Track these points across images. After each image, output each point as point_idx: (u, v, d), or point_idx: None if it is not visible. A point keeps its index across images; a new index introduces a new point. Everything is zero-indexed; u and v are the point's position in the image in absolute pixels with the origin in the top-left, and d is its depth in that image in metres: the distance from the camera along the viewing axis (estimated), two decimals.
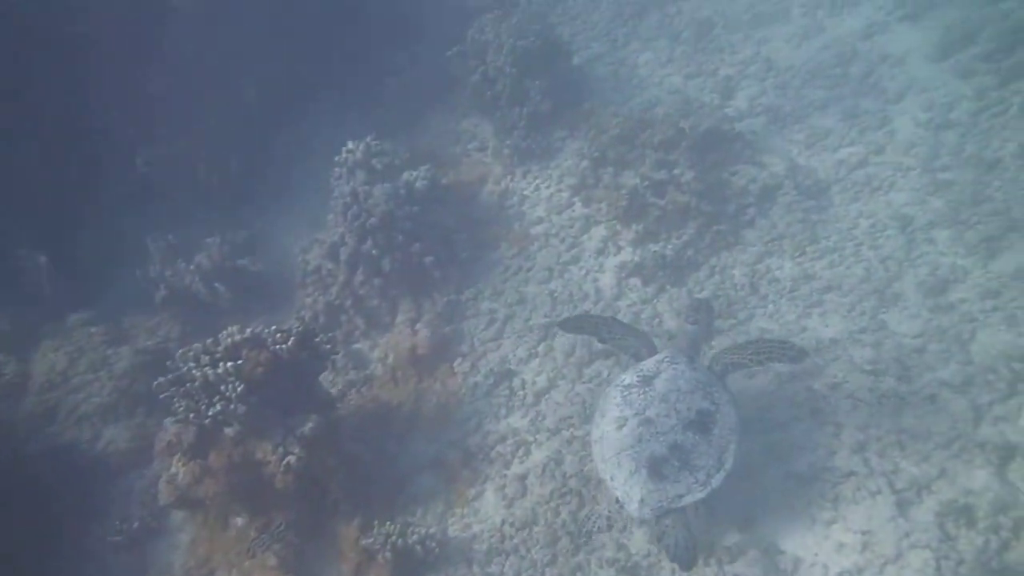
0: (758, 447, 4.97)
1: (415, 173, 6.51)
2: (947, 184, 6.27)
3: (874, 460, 4.69)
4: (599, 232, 6.95)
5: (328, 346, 5.08)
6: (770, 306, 5.97)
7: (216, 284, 6.62)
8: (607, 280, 6.62)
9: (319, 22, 8.07)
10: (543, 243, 7.08)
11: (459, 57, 7.68)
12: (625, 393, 4.69)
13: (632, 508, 4.33)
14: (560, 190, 7.38)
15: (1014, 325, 5.17)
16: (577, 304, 6.49)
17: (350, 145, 6.67)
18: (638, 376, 4.76)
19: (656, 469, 4.32)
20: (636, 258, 6.56)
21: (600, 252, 6.82)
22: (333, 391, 5.98)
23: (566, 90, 7.93)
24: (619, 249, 6.77)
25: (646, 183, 6.68)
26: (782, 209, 6.52)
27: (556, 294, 6.61)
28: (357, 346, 6.68)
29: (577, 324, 5.35)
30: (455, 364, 6.26)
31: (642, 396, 4.61)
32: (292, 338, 4.72)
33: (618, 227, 6.84)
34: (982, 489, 4.35)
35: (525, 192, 7.52)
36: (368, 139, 6.75)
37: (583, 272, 6.74)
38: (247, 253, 7.15)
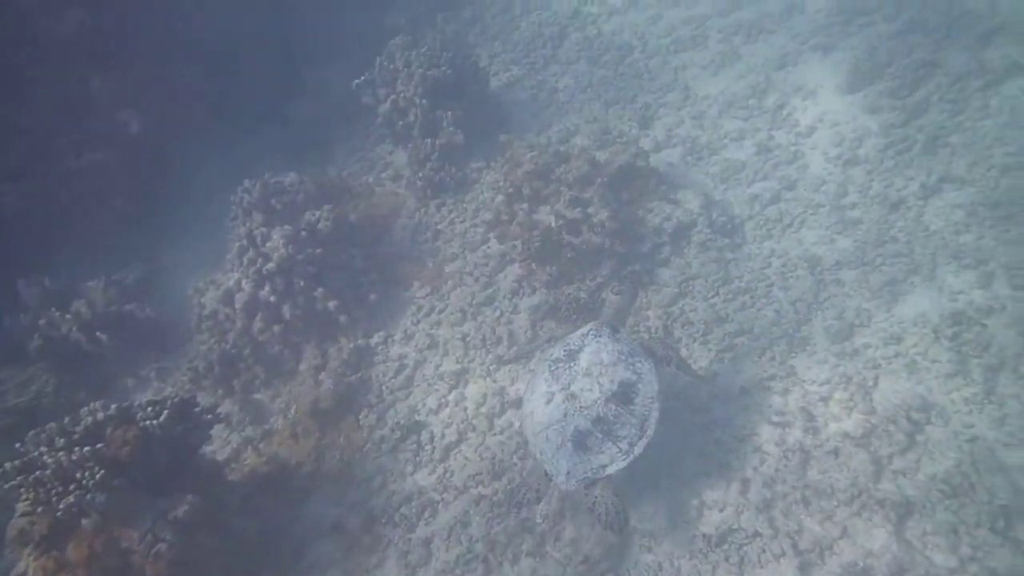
0: (664, 508, 4.89)
1: (318, 213, 6.19)
2: (854, 223, 6.34)
3: (779, 519, 4.67)
4: (514, 271, 6.77)
5: (210, 416, 4.74)
6: (683, 350, 5.90)
7: (98, 333, 6.15)
8: (521, 322, 6.45)
9: (221, 44, 7.62)
10: (457, 281, 6.86)
11: (368, 86, 7.35)
12: (552, 368, 4.89)
13: (560, 480, 4.59)
14: (475, 225, 7.17)
15: (914, 372, 5.24)
16: (490, 349, 6.30)
17: (247, 184, 6.29)
18: (564, 350, 4.96)
19: (580, 442, 4.57)
20: (551, 300, 6.41)
21: (515, 293, 6.64)
22: (226, 451, 5.63)
23: (482, 118, 7.71)
24: (533, 290, 6.60)
25: (560, 222, 6.53)
26: (696, 248, 6.47)
27: (469, 338, 6.40)
28: (257, 396, 6.33)
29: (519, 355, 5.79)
30: (361, 416, 5.99)
31: (567, 371, 4.81)
32: (166, 411, 4.36)
33: (533, 266, 6.67)
34: (881, 550, 4.36)
35: (440, 226, 7.28)
36: (266, 176, 6.38)
37: (497, 314, 6.55)
38: (138, 296, 6.69)
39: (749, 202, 6.84)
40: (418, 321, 6.64)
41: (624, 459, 4.54)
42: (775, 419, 5.18)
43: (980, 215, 5.85)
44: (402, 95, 7.08)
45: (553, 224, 6.73)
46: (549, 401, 4.75)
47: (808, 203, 6.64)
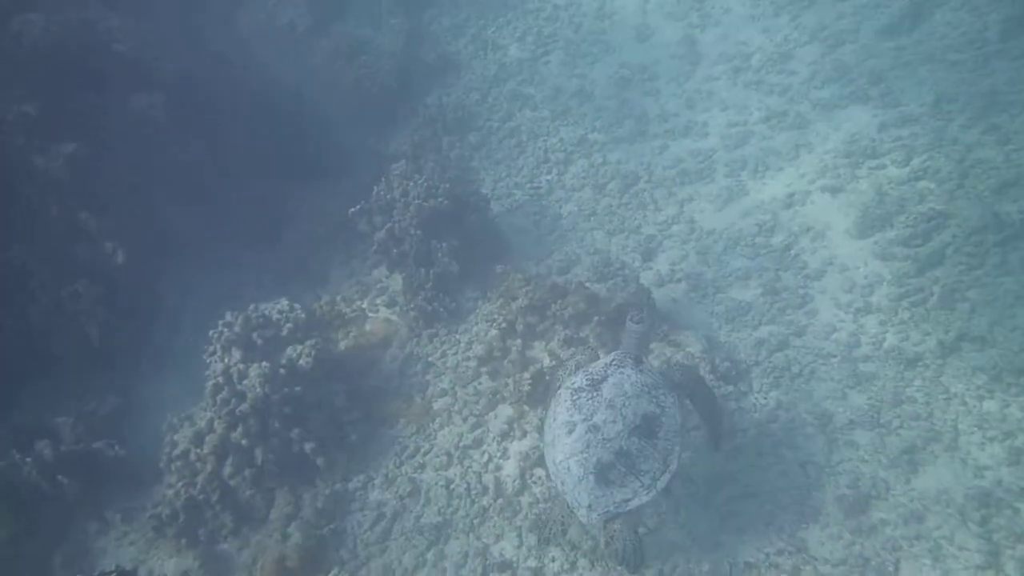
0: None
1: (300, 349, 5.95)
2: (869, 378, 6.00)
3: None
4: (505, 411, 6.43)
5: None
6: (682, 513, 5.45)
7: (60, 477, 5.80)
8: (510, 469, 6.05)
9: (212, 174, 7.67)
10: (445, 420, 6.52)
11: (364, 214, 7.30)
12: (575, 397, 4.84)
13: (581, 514, 4.53)
14: (468, 358, 6.89)
15: (939, 559, 4.75)
16: (475, 499, 5.87)
17: (228, 317, 6.10)
18: (587, 379, 4.91)
19: (603, 475, 4.51)
20: (541, 447, 6.02)
21: (505, 435, 6.28)
22: None
23: (480, 246, 7.60)
24: (524, 433, 6.23)
25: (554, 362, 6.24)
26: None
27: (453, 485, 5.99)
28: (223, 547, 5.89)
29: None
30: None
31: (590, 401, 4.76)
32: None
33: (525, 407, 6.33)
34: None
35: (431, 358, 7.01)
36: (250, 309, 6.20)
37: (485, 458, 6.16)
38: (110, 431, 6.38)
39: (755, 347, 6.54)
40: (401, 463, 6.26)
41: (647, 494, 4.50)
42: None
43: (1005, 381, 5.50)
44: (398, 224, 6.99)
45: (547, 364, 6.45)
46: (571, 431, 4.69)
47: (818, 352, 6.33)
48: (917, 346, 6.05)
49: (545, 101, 10.03)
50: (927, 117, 7.77)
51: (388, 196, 7.16)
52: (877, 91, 8.26)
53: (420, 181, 7.09)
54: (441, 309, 7.02)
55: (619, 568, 4.47)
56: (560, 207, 8.74)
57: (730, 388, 6.25)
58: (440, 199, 7.07)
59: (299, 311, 6.67)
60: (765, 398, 6.13)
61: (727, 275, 7.30)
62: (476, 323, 7.20)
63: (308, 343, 6.02)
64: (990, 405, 5.43)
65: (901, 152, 7.55)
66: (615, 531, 4.48)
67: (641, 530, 5.00)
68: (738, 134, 8.67)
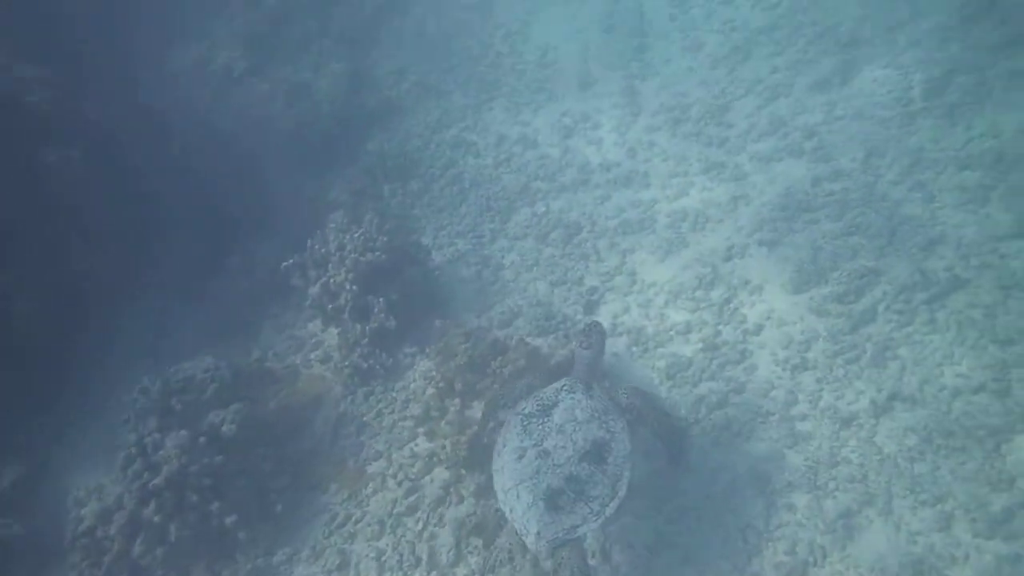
0: None
1: (223, 415, 5.68)
2: (805, 437, 6.02)
3: None
4: (441, 475, 6.24)
5: None
6: None
7: None
8: (445, 538, 5.84)
9: (131, 223, 7.37)
10: (379, 485, 6.29)
11: (297, 268, 7.09)
12: (525, 423, 4.90)
13: (529, 541, 4.51)
14: (404, 418, 6.69)
15: None
16: (407, 571, 5.63)
17: (145, 382, 5.79)
18: (537, 405, 4.99)
19: (552, 501, 4.54)
20: (478, 513, 5.84)
21: (440, 501, 6.08)
22: None
23: (420, 299, 7.47)
24: (461, 499, 6.04)
25: (491, 425, 6.08)
26: (640, 457, 6.02)
27: (384, 556, 5.75)
28: None
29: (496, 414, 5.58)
30: None
31: (540, 426, 4.83)
32: None
33: (462, 471, 6.15)
34: None
35: (366, 418, 6.79)
36: (170, 372, 5.90)
37: (419, 526, 5.94)
38: (12, 503, 5.94)
39: (695, 405, 6.52)
40: (330, 533, 5.99)
41: (596, 520, 4.53)
42: None
43: (934, 442, 5.58)
44: (333, 279, 6.80)
45: (483, 431, 6.29)
46: (520, 457, 4.72)
47: (756, 410, 6.34)
48: (851, 405, 6.11)
49: (488, 148, 10.03)
50: (858, 172, 8.00)
51: (323, 250, 6.98)
52: (811, 145, 8.49)
53: (357, 234, 6.93)
54: (377, 366, 6.82)
55: None
56: (503, 257, 8.67)
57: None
58: (378, 253, 6.91)
59: (225, 370, 6.38)
60: (705, 459, 6.09)
61: (668, 329, 7.30)
62: (414, 380, 7.02)
63: (232, 408, 5.74)
64: (921, 467, 5.49)
65: (835, 207, 7.74)
66: (563, 558, 4.45)
67: (592, 561, 5.07)
68: (679, 185, 8.78)
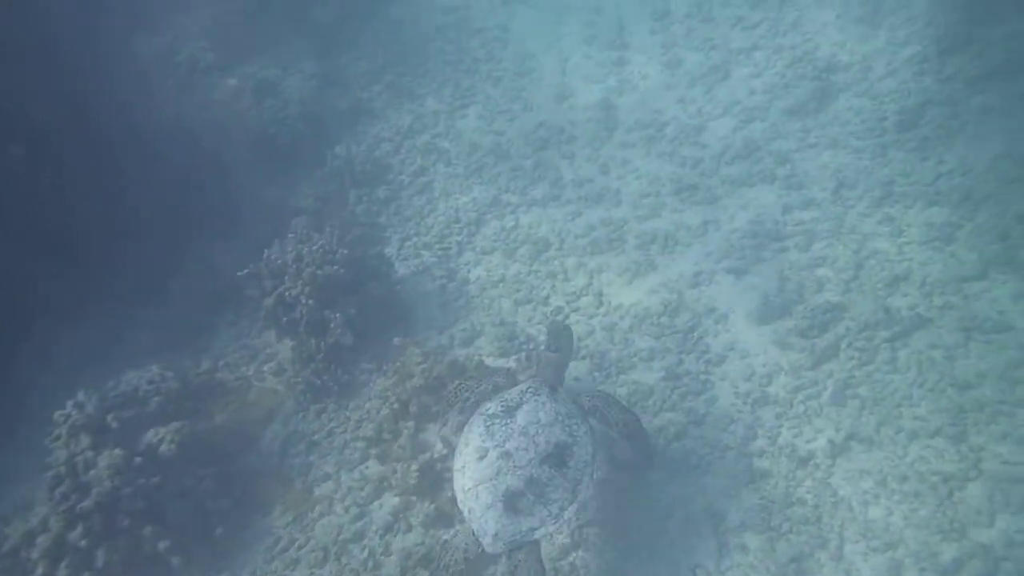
0: None
1: (162, 433, 5.48)
2: (762, 475, 5.98)
3: None
4: (391, 501, 6.10)
5: None
6: None
7: None
8: (391, 568, 5.71)
9: (92, 211, 7.11)
10: (326, 508, 6.14)
11: (253, 278, 6.89)
12: (488, 423, 4.92)
13: (486, 542, 4.54)
14: (356, 439, 6.54)
15: None
16: None
17: (80, 396, 5.57)
18: (502, 406, 5.03)
19: (511, 503, 4.56)
20: (426, 543, 5.72)
21: (388, 529, 5.94)
22: None
23: (380, 314, 7.32)
24: (410, 527, 5.91)
25: (444, 451, 5.97)
26: (595, 485, 5.93)
27: None
28: None
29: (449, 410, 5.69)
30: None
31: (503, 427, 4.84)
32: None
33: (412, 498, 6.01)
34: None
35: (316, 437, 6.63)
36: (108, 386, 5.70)
37: (364, 554, 5.80)
38: None
39: (655, 435, 6.44)
40: (272, 559, 5.83)
41: (553, 523, 4.57)
42: None
43: (889, 487, 5.56)
44: (289, 291, 6.62)
45: (438, 451, 6.18)
46: (482, 458, 4.73)
47: (715, 444, 6.29)
48: (809, 443, 6.09)
49: (460, 157, 9.87)
50: (828, 203, 8.00)
51: (279, 260, 6.78)
52: (783, 172, 8.48)
53: (316, 246, 6.75)
54: (332, 383, 6.66)
55: None
56: (469, 271, 8.54)
57: (626, 480, 6.13)
58: (337, 267, 6.74)
59: (171, 380, 6.19)
60: (660, 492, 6.03)
61: (631, 355, 7.23)
62: (369, 399, 6.87)
63: (173, 426, 5.55)
64: (875, 512, 5.48)
65: (803, 237, 7.72)
66: (519, 561, 4.47)
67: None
68: (650, 205, 8.72)
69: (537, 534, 4.53)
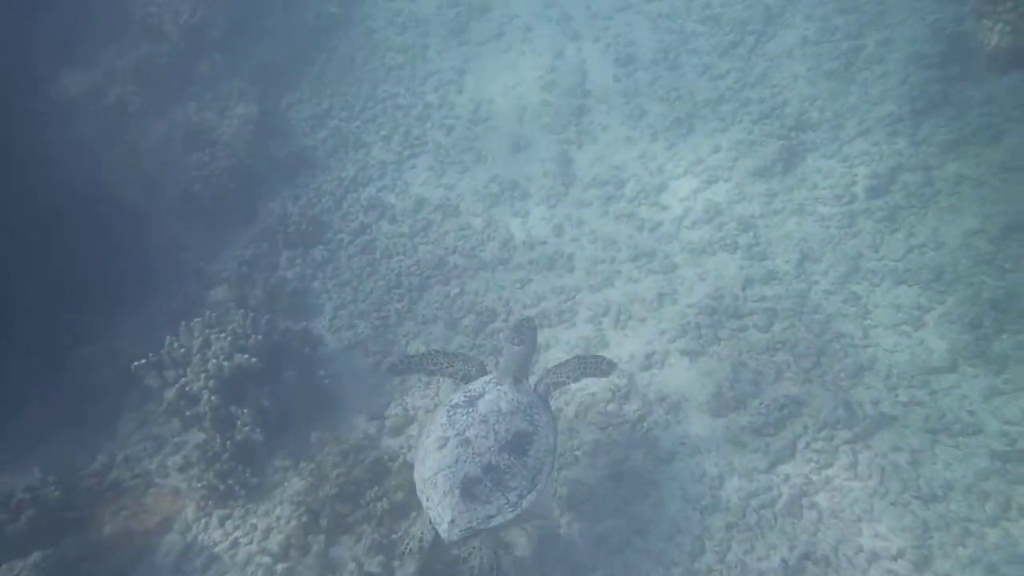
0: None
1: (18, 569, 4.97)
2: None
3: None
4: None
5: None
6: None
7: None
8: None
9: None
10: None
11: (152, 368, 6.42)
12: (451, 413, 5.07)
13: (442, 529, 4.61)
14: (262, 551, 6.06)
15: None
16: None
17: None
18: (465, 396, 5.19)
19: (469, 490, 4.67)
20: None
21: None
22: None
23: (300, 402, 6.84)
24: None
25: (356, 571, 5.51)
26: None
27: None
28: None
29: (403, 366, 5.84)
30: None
31: (465, 416, 4.99)
32: None
33: None
34: None
35: (217, 548, 6.16)
36: None
37: None
38: None
39: (595, 546, 6.06)
40: None
41: (511, 511, 4.67)
42: None
43: None
44: (191, 385, 6.15)
45: (350, 572, 5.72)
46: (442, 446, 4.85)
47: (659, 558, 5.89)
48: (761, 562, 5.70)
49: (406, 213, 9.49)
50: (791, 277, 7.68)
51: (182, 349, 6.32)
52: (746, 240, 8.15)
53: (226, 333, 6.30)
54: (238, 487, 6.19)
55: None
56: (407, 344, 8.11)
57: None
58: (248, 355, 6.29)
59: (52, 488, 5.69)
60: None
61: (574, 448, 6.82)
62: (281, 502, 6.40)
63: (34, 558, 5.05)
64: None
65: (764, 315, 7.38)
66: (474, 547, 4.62)
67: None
68: (604, 272, 8.36)
69: (494, 522, 4.63)
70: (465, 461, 4.71)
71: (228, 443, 6.18)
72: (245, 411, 6.16)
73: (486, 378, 5.39)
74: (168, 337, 6.49)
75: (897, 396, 6.42)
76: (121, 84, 9.81)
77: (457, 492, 4.62)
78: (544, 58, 10.89)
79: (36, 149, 7.84)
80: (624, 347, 7.62)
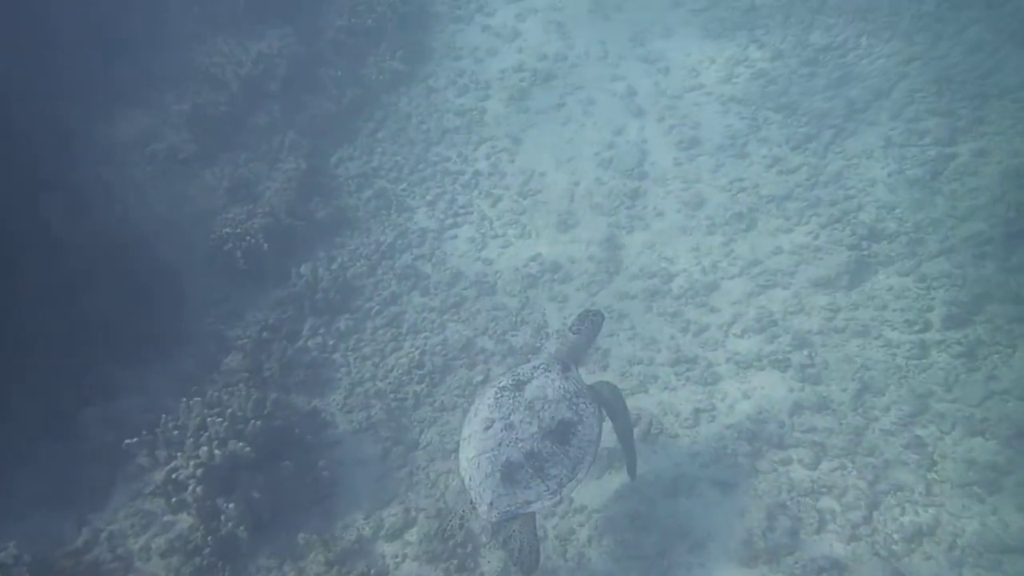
0: None
1: None
2: None
3: None
4: None
5: None
6: None
7: None
8: None
9: None
10: None
11: (145, 446, 6.24)
12: (498, 395, 5.21)
13: (482, 510, 4.90)
14: None
15: None
16: None
17: None
18: (513, 379, 5.31)
19: (509, 474, 4.87)
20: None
21: None
22: None
23: (296, 491, 6.53)
24: None
25: None
26: None
27: None
28: None
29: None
30: None
31: (511, 400, 5.12)
32: None
33: None
34: None
35: None
36: None
37: None
38: None
39: None
40: None
41: (551, 498, 4.87)
42: None
43: None
44: (180, 472, 5.92)
45: None
46: (488, 428, 5.04)
47: None
48: None
49: (440, 286, 9.20)
50: (847, 409, 6.96)
51: (176, 431, 6.12)
52: (799, 358, 7.48)
53: (223, 418, 6.06)
54: None
55: (514, 568, 4.86)
56: (421, 433, 7.75)
57: None
58: (243, 444, 6.03)
59: (23, 570, 5.49)
60: None
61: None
62: None
63: None
64: None
65: (810, 450, 6.70)
66: (513, 531, 4.82)
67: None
68: (639, 375, 7.82)
69: (533, 507, 4.84)
70: (508, 445, 4.90)
71: (210, 538, 5.89)
72: (231, 506, 5.88)
73: (535, 362, 5.47)
74: (163, 416, 6.31)
75: (960, 574, 5.63)
76: (176, 130, 9.96)
77: (498, 475, 4.84)
78: (603, 133, 10.53)
79: (72, 194, 7.89)
80: (650, 464, 7.04)
